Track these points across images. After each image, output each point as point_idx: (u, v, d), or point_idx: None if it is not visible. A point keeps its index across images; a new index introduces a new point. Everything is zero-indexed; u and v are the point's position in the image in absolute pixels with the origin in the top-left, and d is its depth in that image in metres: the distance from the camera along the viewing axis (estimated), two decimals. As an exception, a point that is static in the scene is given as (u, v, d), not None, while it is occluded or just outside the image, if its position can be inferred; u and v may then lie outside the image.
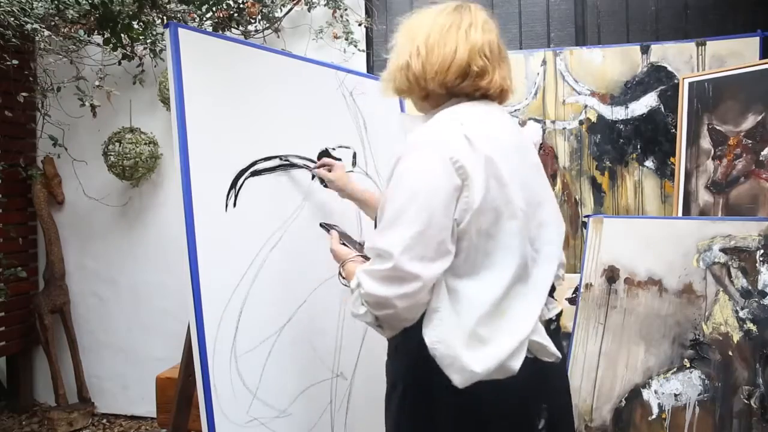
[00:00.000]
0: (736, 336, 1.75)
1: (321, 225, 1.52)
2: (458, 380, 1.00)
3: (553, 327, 1.16)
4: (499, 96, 1.16)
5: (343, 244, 1.32)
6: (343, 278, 1.24)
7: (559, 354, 1.10)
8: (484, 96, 1.15)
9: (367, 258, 1.15)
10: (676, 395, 1.80)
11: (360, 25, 2.78)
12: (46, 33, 2.52)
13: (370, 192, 1.70)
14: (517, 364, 1.02)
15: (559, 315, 1.18)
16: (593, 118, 2.49)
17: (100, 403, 3.15)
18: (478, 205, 1.00)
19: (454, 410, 1.05)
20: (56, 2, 2.35)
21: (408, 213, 0.99)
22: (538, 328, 1.07)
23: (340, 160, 1.85)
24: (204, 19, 2.67)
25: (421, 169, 1.02)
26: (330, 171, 1.68)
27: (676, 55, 2.40)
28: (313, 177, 1.74)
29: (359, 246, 1.31)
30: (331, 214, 1.79)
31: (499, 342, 1.02)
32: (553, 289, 1.16)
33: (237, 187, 1.55)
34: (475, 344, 1.01)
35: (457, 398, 1.02)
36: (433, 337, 1.03)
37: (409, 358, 1.08)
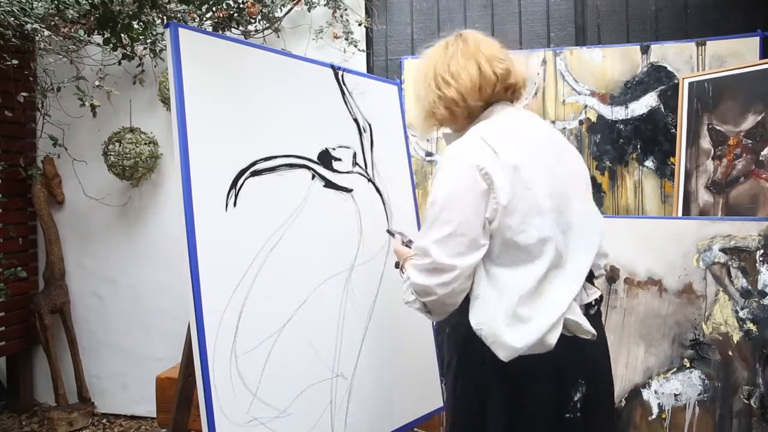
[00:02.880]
0: (736, 336, 1.75)
1: (387, 231, 1.79)
2: (502, 355, 1.14)
3: (593, 312, 1.27)
4: (523, 86, 1.35)
5: (405, 245, 1.51)
6: (403, 272, 1.42)
7: (593, 331, 1.20)
8: (515, 91, 1.33)
9: None
10: (676, 395, 1.80)
11: (360, 25, 2.78)
12: (46, 33, 2.52)
13: None
14: (553, 339, 1.15)
15: (598, 300, 1.29)
16: (593, 118, 2.49)
17: (100, 403, 3.15)
18: (505, 206, 1.15)
19: (499, 377, 1.20)
20: (56, 2, 2.35)
21: (442, 215, 1.16)
22: (573, 307, 1.19)
23: (340, 160, 1.85)
24: (204, 19, 2.67)
25: (453, 177, 1.18)
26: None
27: (676, 55, 2.40)
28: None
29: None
30: (332, 215, 1.79)
31: (537, 320, 1.15)
32: (591, 275, 1.29)
33: (237, 187, 1.55)
34: (515, 323, 1.15)
35: (501, 366, 1.15)
36: (476, 320, 1.18)
37: (460, 335, 1.25)
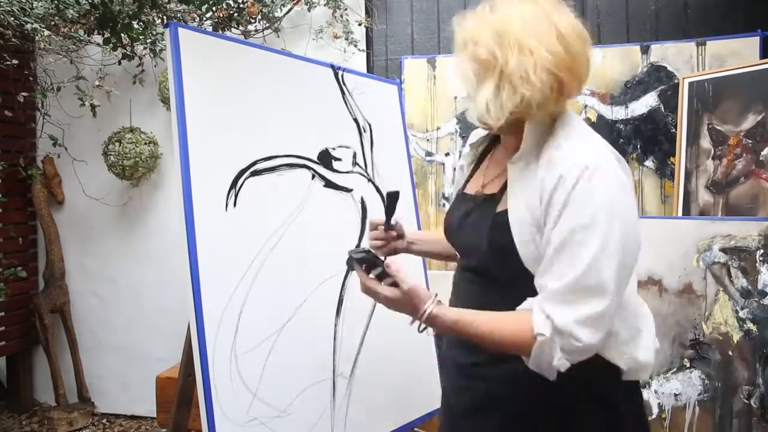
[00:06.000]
0: (736, 336, 1.75)
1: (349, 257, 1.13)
2: (645, 375, 1.02)
3: None
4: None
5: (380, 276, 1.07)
6: (424, 327, 1.03)
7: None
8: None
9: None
10: (676, 395, 1.80)
11: (360, 25, 2.78)
12: (46, 33, 2.52)
13: (418, 232, 1.62)
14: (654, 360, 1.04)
15: None
16: (593, 118, 2.49)
17: (100, 403, 3.15)
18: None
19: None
20: (56, 2, 2.35)
21: (613, 241, 0.87)
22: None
23: (340, 160, 1.85)
24: (204, 18, 2.67)
25: (614, 190, 0.90)
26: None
27: (676, 55, 2.40)
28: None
29: (382, 260, 1.07)
30: (332, 214, 1.79)
31: (645, 331, 1.02)
32: None
33: (237, 187, 1.55)
34: (634, 337, 1.00)
35: (606, 415, 0.99)
36: (624, 356, 0.97)
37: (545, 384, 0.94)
